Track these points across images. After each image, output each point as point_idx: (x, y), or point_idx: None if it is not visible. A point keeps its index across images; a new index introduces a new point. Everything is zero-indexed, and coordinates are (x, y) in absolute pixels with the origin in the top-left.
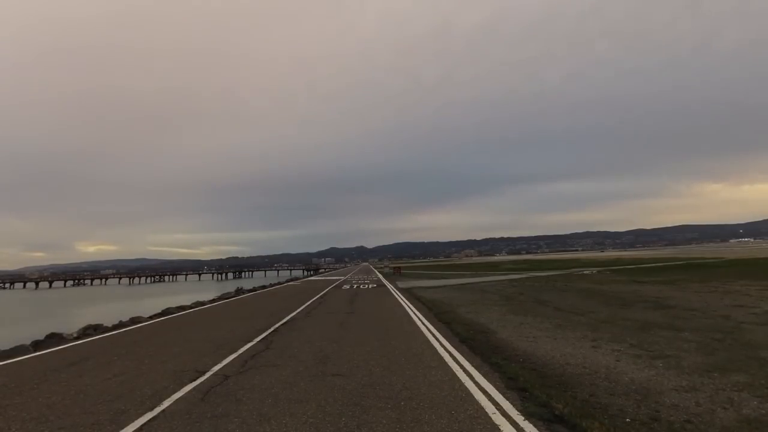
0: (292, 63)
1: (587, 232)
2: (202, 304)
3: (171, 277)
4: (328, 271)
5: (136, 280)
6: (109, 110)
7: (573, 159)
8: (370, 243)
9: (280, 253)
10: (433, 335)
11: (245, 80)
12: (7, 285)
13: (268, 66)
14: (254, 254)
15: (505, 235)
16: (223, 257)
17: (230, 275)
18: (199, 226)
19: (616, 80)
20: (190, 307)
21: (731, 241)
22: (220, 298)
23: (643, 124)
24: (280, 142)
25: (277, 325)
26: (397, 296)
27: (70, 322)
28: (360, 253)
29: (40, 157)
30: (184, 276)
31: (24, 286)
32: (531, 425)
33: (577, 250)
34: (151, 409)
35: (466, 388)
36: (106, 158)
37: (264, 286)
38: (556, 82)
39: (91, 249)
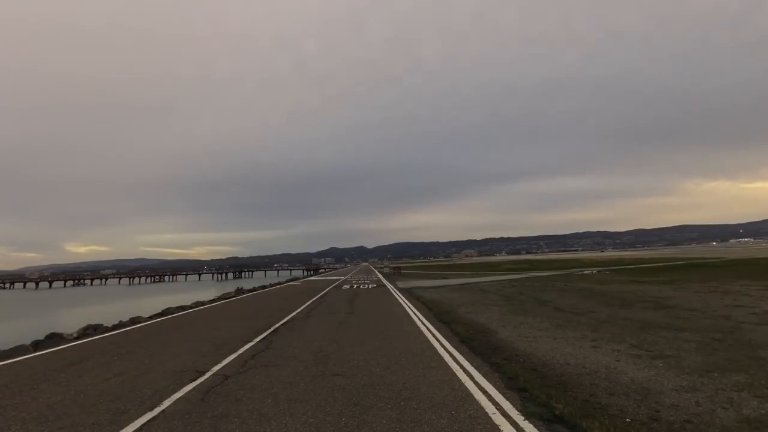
0: (275, 38)
1: (587, 232)
2: (202, 304)
3: (171, 277)
4: (328, 271)
5: (136, 280)
6: (67, 100)
7: (579, 154)
8: (370, 243)
9: (280, 253)
10: (433, 335)
11: (225, 61)
12: (7, 285)
13: (249, 43)
14: (254, 254)
15: (505, 235)
16: (223, 257)
17: (230, 275)
18: (194, 226)
19: (640, 61)
20: (190, 307)
21: (731, 241)
22: (220, 298)
23: (660, 115)
24: (269, 134)
25: (277, 325)
26: (397, 296)
27: (70, 322)
28: (360, 253)
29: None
30: (184, 276)
31: (24, 286)
32: (531, 425)
33: (577, 250)
34: (151, 409)
35: (466, 388)
36: (75, 153)
37: (264, 286)
38: (572, 63)
39: (83, 249)
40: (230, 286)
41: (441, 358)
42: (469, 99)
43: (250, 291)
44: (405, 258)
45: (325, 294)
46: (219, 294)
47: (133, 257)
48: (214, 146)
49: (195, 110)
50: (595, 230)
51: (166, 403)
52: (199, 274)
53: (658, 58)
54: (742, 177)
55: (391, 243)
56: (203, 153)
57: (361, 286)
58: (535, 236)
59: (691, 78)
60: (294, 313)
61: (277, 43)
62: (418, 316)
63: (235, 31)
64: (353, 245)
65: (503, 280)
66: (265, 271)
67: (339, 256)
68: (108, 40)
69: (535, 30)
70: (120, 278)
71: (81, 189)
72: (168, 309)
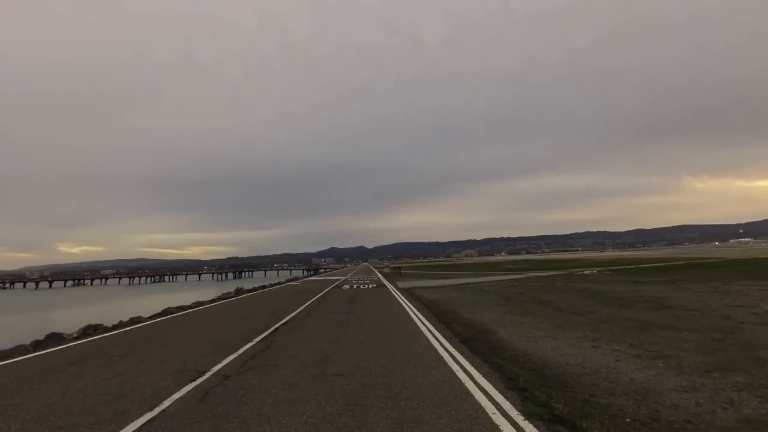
0: (260, 16)
1: (587, 232)
2: (202, 304)
3: (171, 277)
4: (328, 271)
5: (136, 279)
6: (25, 88)
7: (584, 150)
8: (370, 243)
9: (280, 253)
10: (433, 335)
11: (205, 42)
12: (7, 285)
13: (231, 24)
14: (253, 254)
15: (505, 235)
16: (223, 257)
17: (230, 275)
18: (188, 226)
19: (658, 47)
20: (190, 307)
21: (731, 241)
22: (220, 298)
23: (671, 109)
24: (262, 127)
25: (277, 325)
26: (397, 296)
27: (70, 322)
28: (360, 253)
29: None
30: (184, 276)
31: (24, 286)
32: (531, 425)
33: (577, 250)
34: (151, 409)
35: (466, 388)
36: (48, 148)
37: (264, 287)
38: (585, 48)
39: (76, 250)
40: (230, 286)
41: (441, 358)
42: (472, 88)
43: (250, 291)
44: (405, 258)
45: (325, 294)
46: (219, 294)
47: (128, 257)
48: (202, 141)
49: (179, 101)
50: (595, 230)
51: (166, 403)
52: (199, 274)
53: (677, 44)
54: (750, 174)
55: (391, 243)
56: (191, 148)
57: (361, 286)
58: (535, 236)
59: (711, 67)
60: (294, 314)
61: (261, 21)
62: (418, 316)
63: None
64: (353, 245)
65: (503, 280)
66: (265, 271)
67: (339, 256)
68: (73, 17)
69: (547, 9)
70: (120, 278)
71: (63, 187)
72: (168, 309)
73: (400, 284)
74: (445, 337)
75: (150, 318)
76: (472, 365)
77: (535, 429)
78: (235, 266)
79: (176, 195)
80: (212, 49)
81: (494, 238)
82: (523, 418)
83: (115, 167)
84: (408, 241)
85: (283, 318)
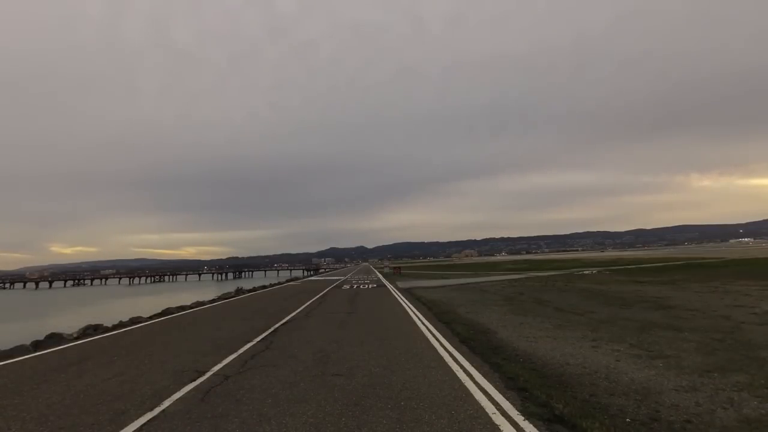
0: None
1: (587, 232)
2: (202, 304)
3: (171, 277)
4: (328, 271)
5: (136, 280)
6: None
7: (588, 144)
8: (370, 243)
9: (280, 253)
10: (433, 335)
11: (185, 23)
12: (8, 285)
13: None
14: (254, 254)
15: (505, 235)
16: (223, 257)
17: (230, 275)
18: (183, 225)
19: (683, 26)
20: (191, 307)
21: (731, 241)
22: (220, 298)
23: (685, 101)
24: (250, 120)
25: (277, 325)
26: (397, 296)
27: (70, 323)
28: (360, 253)
29: None
30: (184, 276)
31: (24, 286)
32: (531, 425)
33: (577, 250)
34: (151, 409)
35: (466, 388)
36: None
37: (264, 287)
38: (600, 30)
39: (68, 251)
40: (230, 286)
41: (441, 358)
42: (475, 78)
43: (250, 291)
44: (405, 258)
45: (325, 294)
46: (219, 294)
47: (127, 258)
48: (191, 137)
49: (159, 91)
50: (595, 230)
51: (166, 403)
52: (199, 275)
53: (699, 30)
54: (759, 171)
55: (391, 243)
56: (176, 144)
57: (361, 286)
58: (535, 236)
59: (732, 56)
60: (294, 313)
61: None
62: (418, 316)
63: None
64: (353, 245)
65: (503, 280)
66: (265, 271)
67: (339, 256)
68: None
69: None
70: (120, 278)
71: (45, 186)
72: (168, 309)
73: (400, 284)
74: (445, 337)
75: (150, 318)
76: (472, 365)
77: (535, 429)
78: (235, 266)
79: (168, 194)
80: (191, 31)
81: (494, 238)
82: (523, 418)
83: (99, 166)
84: (408, 240)
85: (283, 318)
